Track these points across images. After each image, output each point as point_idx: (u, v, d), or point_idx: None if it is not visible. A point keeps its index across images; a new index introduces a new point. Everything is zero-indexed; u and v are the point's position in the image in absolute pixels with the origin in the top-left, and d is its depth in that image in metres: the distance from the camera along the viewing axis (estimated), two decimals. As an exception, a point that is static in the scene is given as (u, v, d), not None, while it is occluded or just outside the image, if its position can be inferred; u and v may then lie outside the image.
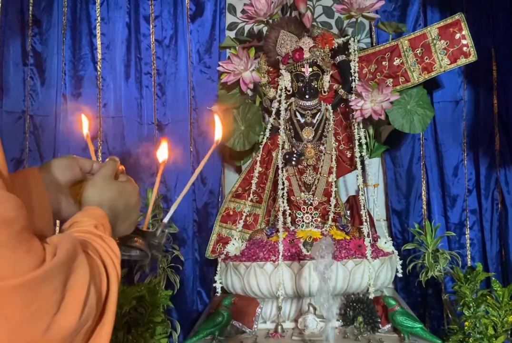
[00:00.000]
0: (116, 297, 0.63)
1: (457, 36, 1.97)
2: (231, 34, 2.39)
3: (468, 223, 2.27)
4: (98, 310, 0.59)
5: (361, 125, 1.99)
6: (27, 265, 0.49)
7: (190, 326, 2.14)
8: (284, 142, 2.03)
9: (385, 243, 1.85)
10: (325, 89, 2.07)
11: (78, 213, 0.70)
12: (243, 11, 2.10)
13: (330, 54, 2.06)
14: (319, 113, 2.03)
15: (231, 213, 2.08)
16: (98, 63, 2.38)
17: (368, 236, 1.80)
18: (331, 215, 1.96)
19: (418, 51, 2.01)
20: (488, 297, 1.79)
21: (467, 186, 2.27)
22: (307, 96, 2.01)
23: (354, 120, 1.98)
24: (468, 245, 2.27)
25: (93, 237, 0.64)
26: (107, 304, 0.61)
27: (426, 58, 2.00)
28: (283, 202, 1.96)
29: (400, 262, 1.88)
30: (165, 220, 0.85)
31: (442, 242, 2.11)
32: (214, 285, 1.91)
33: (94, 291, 0.57)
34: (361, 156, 1.99)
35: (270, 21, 2.03)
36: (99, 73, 2.38)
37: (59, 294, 0.51)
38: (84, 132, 0.93)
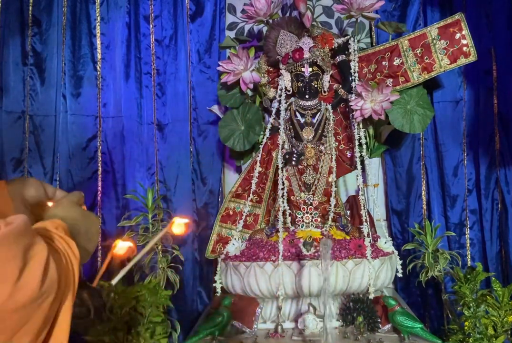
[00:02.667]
0: (71, 299, 0.64)
1: (457, 36, 1.97)
2: (231, 34, 2.39)
3: (468, 223, 2.27)
4: (60, 291, 0.60)
5: (361, 125, 1.99)
6: None
7: (190, 326, 2.14)
8: (284, 142, 2.02)
9: (385, 243, 1.85)
10: (325, 89, 2.07)
11: (40, 221, 0.72)
12: (243, 11, 2.10)
13: (330, 54, 2.06)
14: (319, 113, 2.03)
15: (231, 213, 2.08)
16: (98, 63, 2.38)
17: (368, 236, 1.80)
18: (331, 215, 1.96)
19: (418, 51, 2.01)
20: (488, 297, 1.79)
21: (467, 186, 2.27)
22: (307, 96, 2.01)
23: (354, 120, 1.98)
24: (468, 245, 2.27)
25: (54, 235, 0.66)
26: (74, 285, 0.64)
27: (426, 58, 2.00)
28: (283, 202, 1.96)
29: (400, 262, 1.88)
30: (113, 282, 0.90)
31: (442, 242, 2.11)
32: (214, 285, 1.91)
33: (55, 267, 0.58)
34: (361, 156, 1.99)
35: (270, 21, 2.03)
36: (99, 73, 2.38)
37: (19, 260, 0.54)
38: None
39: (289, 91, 2.04)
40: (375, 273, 1.75)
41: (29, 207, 0.84)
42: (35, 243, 0.58)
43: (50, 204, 0.86)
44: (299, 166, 2.01)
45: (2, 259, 0.52)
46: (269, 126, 2.04)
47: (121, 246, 0.95)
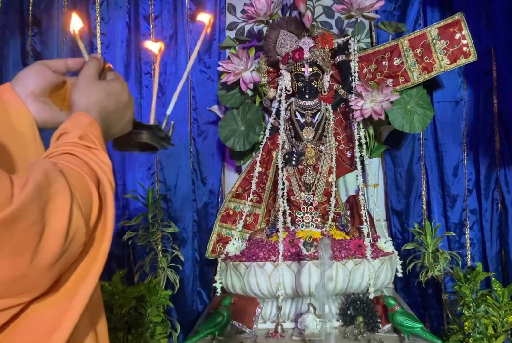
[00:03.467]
0: (112, 206, 0.62)
1: (457, 36, 1.97)
2: (231, 34, 2.38)
3: (468, 223, 2.27)
4: (89, 225, 0.58)
5: (361, 125, 1.99)
6: None
7: (190, 326, 2.14)
8: (284, 142, 2.02)
9: (385, 243, 1.85)
10: (325, 89, 2.07)
11: (65, 122, 0.67)
12: (243, 11, 2.10)
13: (330, 54, 2.06)
14: (319, 113, 2.03)
15: (231, 213, 2.08)
16: (98, 63, 2.37)
17: (368, 236, 1.80)
18: (331, 215, 1.96)
19: (418, 51, 2.01)
20: (488, 297, 1.80)
21: (467, 185, 2.27)
22: (307, 96, 2.01)
23: (354, 120, 1.98)
24: (468, 245, 2.27)
25: (79, 149, 0.62)
26: (104, 214, 0.61)
27: (426, 58, 2.00)
28: (283, 202, 1.96)
29: (400, 262, 1.88)
30: (168, 112, 0.85)
31: (442, 242, 2.11)
32: (214, 285, 1.91)
33: (79, 211, 0.55)
34: (361, 156, 1.99)
35: (270, 21, 2.03)
36: (99, 73, 2.37)
37: (37, 225, 0.51)
38: (71, 30, 0.87)
39: (289, 91, 2.04)
40: (375, 273, 1.75)
41: (47, 100, 0.74)
42: (55, 195, 0.54)
43: (69, 80, 0.76)
44: (299, 166, 2.01)
45: (19, 233, 0.49)
46: (269, 126, 2.04)
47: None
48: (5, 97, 0.71)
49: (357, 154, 1.98)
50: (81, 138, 0.63)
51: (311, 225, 1.95)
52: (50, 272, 0.53)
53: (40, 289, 0.54)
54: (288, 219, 1.97)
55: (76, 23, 0.87)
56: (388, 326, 1.70)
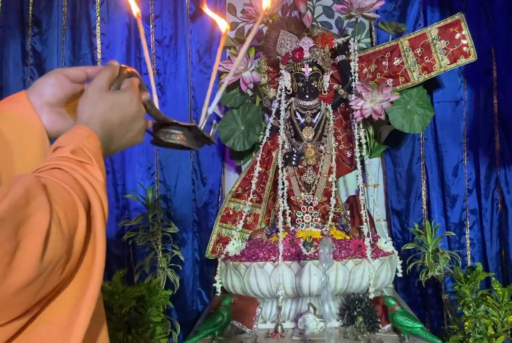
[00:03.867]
0: (102, 224, 0.59)
1: (457, 36, 1.97)
2: (231, 34, 2.38)
3: (468, 223, 2.27)
4: (73, 243, 0.55)
5: (361, 125, 1.99)
6: None
7: (190, 326, 2.14)
8: (284, 142, 2.02)
9: (385, 243, 1.85)
10: (325, 89, 2.07)
11: (63, 134, 0.65)
12: (243, 11, 2.10)
13: (330, 54, 2.06)
14: (319, 113, 2.03)
15: (231, 213, 2.08)
16: (98, 63, 2.38)
17: (368, 236, 1.80)
18: (331, 215, 1.96)
19: (418, 51, 2.01)
20: (488, 297, 1.80)
21: (467, 186, 2.27)
22: (307, 96, 2.01)
23: (354, 120, 1.98)
24: (468, 245, 2.27)
25: (69, 164, 0.59)
26: (93, 233, 0.58)
27: (426, 58, 2.00)
28: (283, 202, 1.96)
29: (400, 262, 1.88)
30: (210, 110, 0.83)
31: (442, 242, 2.11)
32: (214, 285, 1.91)
33: (58, 230, 0.52)
34: (361, 156, 1.99)
35: (270, 21, 2.03)
36: (99, 73, 2.37)
37: (9, 244, 0.48)
38: (134, 11, 0.83)
39: (289, 91, 2.04)
40: (375, 273, 1.75)
41: (63, 110, 0.73)
42: (33, 213, 0.51)
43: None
44: (299, 166, 2.01)
45: None
46: (269, 126, 2.04)
47: None
48: (17, 106, 0.70)
49: (357, 154, 1.98)
50: (73, 152, 0.61)
51: (311, 225, 1.95)
52: (24, 294, 0.50)
53: (16, 311, 0.51)
54: (288, 219, 1.97)
55: (134, 6, 0.83)
56: (388, 326, 1.70)
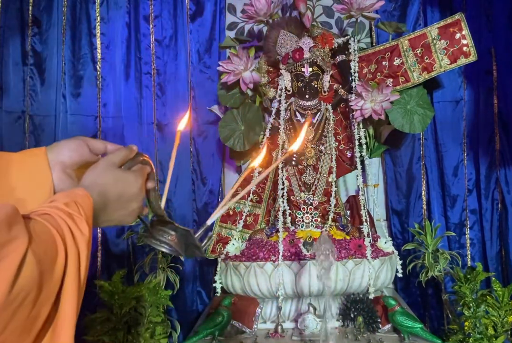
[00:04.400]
0: (74, 274, 0.58)
1: (457, 36, 1.97)
2: (231, 34, 2.38)
3: (468, 223, 2.27)
4: (49, 280, 0.54)
5: (361, 125, 1.99)
6: None
7: (190, 326, 2.14)
8: (284, 142, 2.02)
9: (385, 243, 1.85)
10: (325, 89, 2.07)
11: (61, 192, 0.68)
12: (243, 11, 2.10)
13: (330, 54, 2.06)
14: (319, 113, 2.03)
15: (231, 213, 2.08)
16: (98, 63, 2.38)
17: (368, 236, 1.80)
18: (331, 215, 1.96)
19: (418, 51, 2.01)
20: (488, 297, 1.79)
21: (467, 186, 2.27)
22: (307, 96, 2.01)
23: (354, 120, 1.98)
24: (468, 245, 2.27)
25: (58, 212, 0.61)
26: (63, 285, 0.57)
27: (426, 58, 2.00)
28: (283, 202, 1.96)
29: (400, 262, 1.88)
30: (209, 222, 0.80)
31: (442, 242, 2.11)
32: (214, 285, 1.91)
33: (33, 261, 0.51)
34: (361, 156, 1.99)
35: (270, 21, 2.03)
36: (98, 73, 2.38)
37: None
38: (179, 128, 0.91)
39: (289, 91, 2.04)
40: (375, 273, 1.75)
41: (72, 173, 0.77)
42: (10, 240, 0.50)
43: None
44: (299, 166, 2.01)
45: None
46: (269, 126, 2.04)
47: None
48: (34, 159, 0.74)
49: (357, 154, 1.98)
50: (66, 204, 0.63)
51: (311, 225, 1.95)
52: None
53: None
54: (288, 219, 1.97)
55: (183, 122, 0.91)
56: (388, 326, 1.70)
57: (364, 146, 1.99)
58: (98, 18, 2.38)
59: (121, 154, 0.76)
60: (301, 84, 2.01)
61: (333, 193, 1.99)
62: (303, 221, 1.97)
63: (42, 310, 0.54)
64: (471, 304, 1.78)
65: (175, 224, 0.80)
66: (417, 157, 2.31)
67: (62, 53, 2.35)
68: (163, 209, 0.82)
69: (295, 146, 0.91)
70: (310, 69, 1.98)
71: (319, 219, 1.98)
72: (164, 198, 0.84)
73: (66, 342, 0.57)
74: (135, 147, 0.80)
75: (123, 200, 0.74)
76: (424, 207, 2.31)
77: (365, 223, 1.85)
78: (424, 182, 2.31)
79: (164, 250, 0.80)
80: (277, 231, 1.87)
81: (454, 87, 2.29)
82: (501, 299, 1.77)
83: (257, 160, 0.89)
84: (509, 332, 1.83)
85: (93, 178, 0.72)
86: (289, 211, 1.98)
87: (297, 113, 2.03)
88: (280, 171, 1.98)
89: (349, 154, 2.11)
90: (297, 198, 2.00)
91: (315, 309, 1.73)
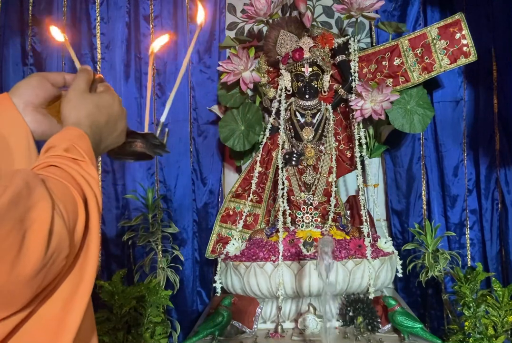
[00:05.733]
0: (97, 219, 0.60)
1: (457, 36, 1.97)
2: (231, 34, 2.38)
3: (468, 223, 2.27)
4: (74, 236, 0.56)
5: (361, 125, 1.99)
6: None
7: (190, 326, 2.14)
8: (284, 142, 2.02)
9: (385, 243, 1.85)
10: (325, 89, 2.07)
11: (54, 135, 0.66)
12: (243, 11, 2.10)
13: (330, 54, 2.06)
14: (319, 113, 2.03)
15: (231, 213, 2.08)
16: (98, 63, 2.38)
17: (368, 236, 1.80)
18: (331, 215, 1.96)
19: (418, 51, 2.01)
20: (488, 297, 1.79)
21: (467, 186, 2.27)
22: (307, 96, 2.01)
23: (354, 120, 1.98)
24: (468, 245, 2.27)
25: (64, 161, 0.61)
26: (89, 228, 0.59)
27: (426, 58, 2.00)
28: (283, 202, 1.96)
29: (400, 262, 1.88)
30: (162, 119, 0.86)
31: (442, 242, 2.11)
32: (214, 285, 1.91)
33: (61, 221, 0.53)
34: (361, 156, 1.99)
35: (270, 21, 2.03)
36: (98, 73, 2.38)
37: (16, 233, 0.49)
38: (59, 38, 0.88)
39: (289, 91, 2.04)
40: (375, 273, 1.75)
41: (45, 111, 0.74)
42: (35, 203, 0.52)
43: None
44: (299, 166, 2.01)
45: None
46: (269, 126, 2.04)
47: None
48: (0, 108, 0.71)
49: (357, 154, 1.97)
50: (67, 150, 0.62)
51: (311, 225, 1.95)
52: (30, 284, 0.51)
53: (20, 303, 0.51)
54: (288, 219, 1.97)
55: (56, 32, 0.87)
56: (388, 326, 1.70)
57: (364, 146, 1.99)
58: (98, 18, 2.38)
59: (84, 79, 0.73)
60: (301, 84, 2.01)
61: (333, 193, 1.99)
62: (303, 221, 1.97)
63: (70, 259, 0.56)
64: (471, 304, 1.78)
65: (135, 131, 0.82)
66: (417, 157, 2.31)
67: (62, 53, 2.35)
68: None
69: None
70: (310, 69, 1.98)
71: (319, 219, 1.98)
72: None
73: (92, 273, 0.58)
74: (89, 67, 0.77)
75: (112, 122, 0.74)
76: (424, 207, 2.31)
77: (365, 223, 1.85)
78: (424, 182, 2.31)
79: (132, 160, 0.84)
80: (277, 231, 1.87)
81: (454, 87, 2.29)
82: (501, 299, 1.77)
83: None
84: (509, 332, 1.84)
85: (76, 112, 0.69)
86: (289, 211, 1.98)
87: (297, 113, 2.03)
88: (280, 171, 1.98)
89: (349, 154, 2.11)
90: (297, 198, 2.00)
91: (315, 309, 1.73)
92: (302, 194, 1.99)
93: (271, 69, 2.13)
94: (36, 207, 0.52)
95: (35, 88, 0.74)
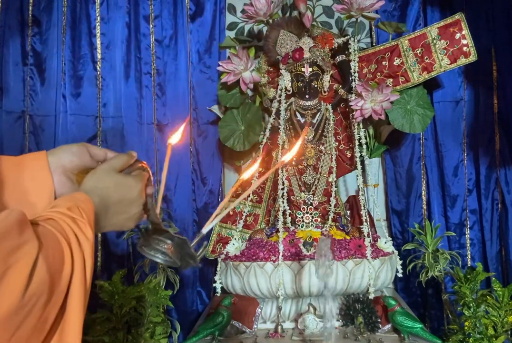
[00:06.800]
0: (81, 277, 0.59)
1: (457, 36, 1.97)
2: (231, 34, 2.39)
3: (468, 223, 2.27)
4: (57, 285, 0.55)
5: (361, 125, 1.99)
6: None
7: (190, 326, 2.14)
8: (284, 142, 2.02)
9: (385, 243, 1.85)
10: (325, 89, 2.07)
11: (63, 196, 0.69)
12: (243, 11, 2.10)
13: (330, 54, 2.06)
14: (319, 113, 2.03)
15: (231, 213, 2.08)
16: (98, 63, 2.38)
17: (368, 236, 1.80)
18: (331, 215, 1.96)
19: (418, 51, 2.01)
20: (488, 297, 1.79)
21: (467, 185, 2.27)
22: (307, 96, 2.01)
23: (354, 120, 1.98)
24: (468, 245, 2.27)
25: (62, 217, 0.62)
26: (70, 289, 0.58)
27: (426, 58, 2.00)
28: (283, 202, 1.96)
29: (400, 262, 1.88)
30: (204, 231, 0.81)
31: (442, 242, 2.11)
32: (214, 285, 1.91)
33: (44, 265, 0.53)
34: (361, 156, 1.99)
35: (270, 21, 2.03)
36: (98, 73, 2.38)
37: (0, 267, 0.48)
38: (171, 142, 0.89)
39: (289, 91, 2.04)
40: (375, 273, 1.75)
41: (73, 177, 0.78)
42: (22, 244, 0.52)
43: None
44: (299, 166, 2.01)
45: None
46: (269, 126, 2.04)
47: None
48: (36, 163, 0.74)
49: (357, 154, 1.97)
50: (69, 209, 0.64)
51: (311, 225, 1.95)
52: (7, 325, 0.49)
53: None
54: (288, 219, 1.97)
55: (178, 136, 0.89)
56: (388, 326, 1.70)
57: (364, 146, 1.99)
58: (98, 18, 2.38)
59: (121, 160, 0.78)
60: (301, 84, 2.01)
61: (333, 193, 1.99)
62: (303, 221, 1.97)
63: (51, 313, 0.55)
64: (471, 304, 1.78)
65: (170, 232, 0.80)
66: (417, 157, 2.31)
67: (62, 53, 2.34)
68: (159, 217, 0.82)
69: (287, 157, 0.92)
70: (310, 69, 1.98)
71: (319, 219, 1.98)
72: (158, 206, 0.83)
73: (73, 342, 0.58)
74: (135, 153, 0.80)
75: (124, 204, 0.75)
76: (424, 207, 2.31)
77: (365, 223, 1.85)
78: (424, 182, 2.31)
79: (158, 260, 0.79)
80: (277, 231, 1.87)
81: (454, 87, 2.29)
82: (501, 299, 1.77)
83: (247, 173, 0.92)
84: (509, 332, 1.83)
85: (93, 182, 0.73)
86: (289, 211, 1.98)
87: (297, 113, 2.03)
88: (280, 171, 1.98)
89: (349, 154, 2.11)
90: (297, 198, 2.00)
91: (315, 309, 1.73)
92: (302, 194, 1.99)
93: (271, 69, 2.13)
94: (23, 246, 0.52)
95: (73, 155, 0.78)
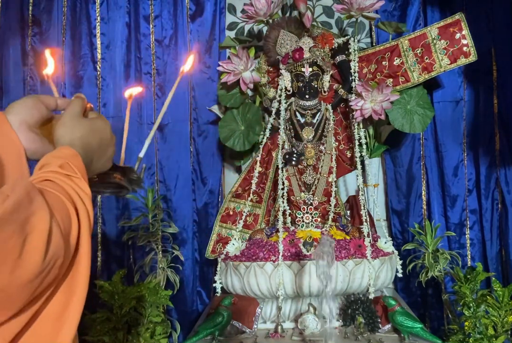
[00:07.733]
0: (88, 233, 0.62)
1: (457, 36, 1.97)
2: (231, 34, 2.39)
3: (468, 223, 2.27)
4: (69, 247, 0.59)
5: (361, 125, 1.99)
6: None
7: (190, 326, 2.14)
8: (284, 142, 2.02)
9: (385, 243, 1.85)
10: (325, 89, 2.07)
11: (48, 153, 0.69)
12: (243, 11, 2.10)
13: (330, 54, 2.06)
14: (319, 113, 2.03)
15: (231, 213, 2.08)
16: (98, 63, 2.38)
17: (368, 236, 1.80)
18: (331, 215, 1.96)
19: (418, 51, 2.01)
20: (488, 297, 1.80)
21: (467, 186, 2.27)
22: (307, 96, 2.01)
23: (354, 120, 1.98)
24: (468, 245, 2.27)
25: (58, 176, 0.63)
26: (80, 241, 0.61)
27: (426, 58, 2.00)
28: (283, 202, 1.96)
29: (400, 262, 1.88)
30: (141, 154, 0.88)
31: (442, 242, 2.11)
32: (214, 285, 1.91)
33: (58, 230, 0.56)
34: (361, 156, 1.99)
35: (270, 21, 2.03)
36: (98, 73, 2.38)
37: (17, 237, 0.51)
38: (45, 72, 0.90)
39: (289, 91, 2.04)
40: (375, 273, 1.75)
41: (38, 131, 0.77)
42: (36, 211, 0.55)
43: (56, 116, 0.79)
44: (299, 166, 2.01)
45: None
46: (269, 126, 2.04)
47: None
48: None
49: (357, 154, 1.97)
50: (61, 167, 0.65)
51: (311, 225, 1.95)
52: (28, 287, 0.53)
53: (16, 306, 0.54)
54: (288, 219, 1.97)
55: (50, 64, 0.90)
56: (388, 326, 1.70)
57: (364, 146, 1.99)
58: (98, 18, 2.38)
59: (79, 105, 0.77)
60: (301, 84, 2.01)
61: (333, 193, 1.99)
62: (303, 221, 1.97)
63: (63, 269, 0.59)
64: (471, 304, 1.78)
65: (114, 164, 0.84)
66: (417, 157, 2.31)
67: (62, 53, 2.34)
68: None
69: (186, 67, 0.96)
70: (310, 69, 1.98)
71: (319, 219, 1.98)
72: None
73: (81, 297, 0.61)
74: (83, 95, 0.80)
75: (103, 147, 0.77)
76: (424, 207, 2.31)
77: (365, 223, 1.85)
78: (424, 182, 2.31)
79: (107, 193, 0.85)
80: (277, 231, 1.87)
81: (454, 87, 2.29)
82: (501, 299, 1.77)
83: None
84: (509, 332, 1.84)
85: (69, 134, 0.72)
86: (289, 211, 1.98)
87: (297, 113, 2.03)
88: (280, 171, 1.98)
89: (349, 154, 2.11)
90: (297, 198, 2.00)
91: (315, 309, 1.73)
92: (302, 194, 1.99)
93: (271, 69, 2.13)
94: (36, 215, 0.55)
95: (30, 109, 0.76)
